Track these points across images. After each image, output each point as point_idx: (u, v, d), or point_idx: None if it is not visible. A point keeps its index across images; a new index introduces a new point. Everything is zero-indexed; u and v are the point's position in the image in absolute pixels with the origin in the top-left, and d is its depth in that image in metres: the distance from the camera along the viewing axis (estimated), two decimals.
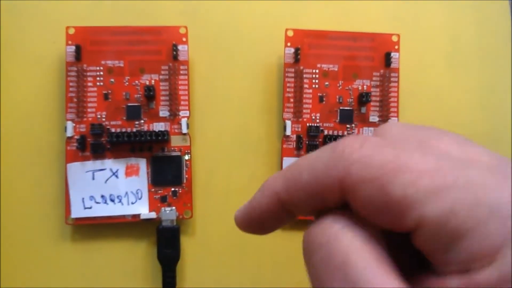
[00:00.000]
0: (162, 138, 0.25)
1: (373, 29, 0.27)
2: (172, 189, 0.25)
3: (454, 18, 0.28)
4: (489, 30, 0.28)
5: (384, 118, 0.26)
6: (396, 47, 0.26)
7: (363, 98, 0.26)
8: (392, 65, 0.26)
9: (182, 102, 0.25)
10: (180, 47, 0.25)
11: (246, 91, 0.27)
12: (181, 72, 0.26)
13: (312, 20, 0.28)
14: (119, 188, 0.25)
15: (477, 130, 0.28)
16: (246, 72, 0.27)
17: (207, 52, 0.27)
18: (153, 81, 0.25)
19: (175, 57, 0.25)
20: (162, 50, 0.25)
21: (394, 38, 0.26)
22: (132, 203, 0.25)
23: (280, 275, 0.26)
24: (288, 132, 0.26)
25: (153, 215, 0.25)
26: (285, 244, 0.27)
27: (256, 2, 0.27)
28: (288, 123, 0.26)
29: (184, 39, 0.26)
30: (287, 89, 0.26)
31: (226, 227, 0.26)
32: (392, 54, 0.26)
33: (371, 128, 0.26)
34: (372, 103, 0.26)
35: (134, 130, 0.25)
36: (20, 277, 0.25)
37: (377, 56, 0.26)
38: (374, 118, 0.26)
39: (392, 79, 0.26)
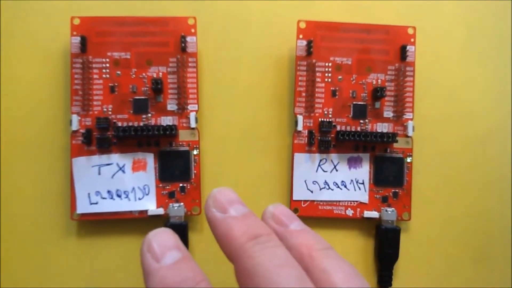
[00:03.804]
0: (170, 132, 0.24)
1: (388, 21, 0.26)
2: (180, 184, 0.25)
3: (472, 10, 0.27)
4: (508, 22, 0.27)
5: (399, 113, 0.25)
6: (412, 40, 0.25)
7: (378, 93, 0.25)
8: (408, 59, 0.25)
9: (190, 96, 0.25)
10: (188, 38, 0.25)
11: (257, 84, 0.26)
12: (190, 64, 0.25)
13: (325, 11, 0.27)
14: (126, 184, 0.24)
15: (495, 125, 0.27)
16: (256, 65, 0.26)
17: (216, 44, 0.26)
18: (160, 73, 0.25)
19: (183, 49, 0.24)
20: (170, 41, 0.25)
21: (410, 31, 0.26)
22: (139, 199, 0.24)
23: None
24: (300, 128, 0.25)
25: (160, 211, 0.24)
26: None
27: None
28: (300, 118, 0.25)
29: (192, 30, 0.25)
30: (299, 83, 0.25)
31: None
32: (408, 47, 0.25)
33: (385, 124, 0.25)
34: (386, 98, 0.25)
35: (141, 124, 0.24)
36: (24, 274, 0.25)
37: (392, 49, 0.25)
38: (388, 113, 0.25)
39: (407, 73, 0.25)
